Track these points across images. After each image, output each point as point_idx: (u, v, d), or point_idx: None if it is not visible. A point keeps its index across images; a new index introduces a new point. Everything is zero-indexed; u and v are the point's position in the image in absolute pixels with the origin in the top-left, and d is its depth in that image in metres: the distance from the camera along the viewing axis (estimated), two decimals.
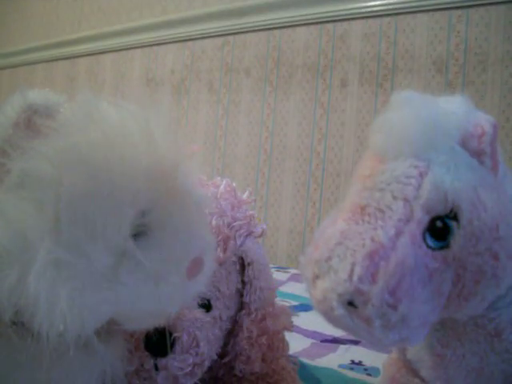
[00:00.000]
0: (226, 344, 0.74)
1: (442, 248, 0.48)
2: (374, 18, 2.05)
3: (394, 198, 0.49)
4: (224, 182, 0.77)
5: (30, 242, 0.45)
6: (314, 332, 1.18)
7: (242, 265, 0.75)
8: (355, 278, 0.45)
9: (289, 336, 0.81)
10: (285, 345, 0.80)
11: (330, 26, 2.16)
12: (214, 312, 0.70)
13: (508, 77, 1.74)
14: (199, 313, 0.68)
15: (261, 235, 0.78)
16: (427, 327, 0.49)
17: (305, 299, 1.36)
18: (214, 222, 0.71)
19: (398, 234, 0.47)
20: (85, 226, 0.46)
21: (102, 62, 3.15)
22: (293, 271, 1.86)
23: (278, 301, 0.81)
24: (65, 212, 0.46)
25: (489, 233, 0.49)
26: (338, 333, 1.15)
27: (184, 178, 0.57)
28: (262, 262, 0.76)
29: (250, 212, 0.77)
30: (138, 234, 0.50)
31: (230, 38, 2.49)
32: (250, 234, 0.76)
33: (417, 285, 0.46)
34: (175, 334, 0.64)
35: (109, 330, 0.53)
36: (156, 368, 0.64)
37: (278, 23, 2.30)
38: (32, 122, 0.49)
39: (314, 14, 2.18)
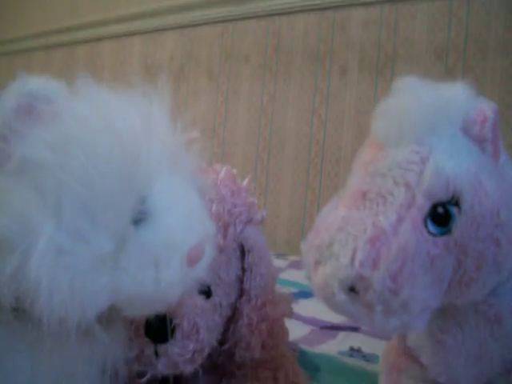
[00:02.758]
0: (226, 331, 0.74)
1: (443, 234, 0.48)
2: (374, 5, 2.04)
3: (396, 183, 0.49)
4: (224, 168, 0.77)
5: (31, 228, 0.45)
6: (314, 319, 1.18)
7: (242, 251, 0.75)
8: (356, 263, 0.45)
9: (288, 323, 0.81)
10: (284, 331, 0.80)
11: (329, 12, 2.15)
12: (214, 299, 0.70)
13: (508, 64, 1.74)
14: (199, 299, 0.68)
15: (261, 222, 0.78)
16: (428, 313, 0.49)
17: (304, 286, 1.36)
18: (213, 209, 0.70)
19: (400, 219, 0.47)
20: (85, 212, 0.46)
21: (101, 48, 3.14)
22: (292, 258, 1.86)
23: (278, 288, 0.81)
24: (65, 198, 0.46)
25: (490, 219, 0.49)
26: (338, 319, 1.15)
27: (184, 164, 0.57)
28: (262, 249, 0.75)
29: (250, 198, 0.76)
30: (138, 221, 0.50)
31: (229, 24, 2.48)
32: (249, 220, 0.76)
33: (418, 271, 0.46)
34: (175, 321, 0.64)
35: (109, 316, 0.53)
36: (156, 354, 0.64)
37: (278, 10, 2.29)
38: (32, 107, 0.49)
39: (314, 0, 2.17)
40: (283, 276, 1.55)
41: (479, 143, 0.51)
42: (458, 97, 0.52)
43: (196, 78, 2.60)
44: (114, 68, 3.04)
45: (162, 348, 0.64)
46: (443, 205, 0.48)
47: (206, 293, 0.70)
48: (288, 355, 0.80)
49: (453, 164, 0.49)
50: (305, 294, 1.30)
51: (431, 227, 0.48)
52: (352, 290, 0.46)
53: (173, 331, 0.64)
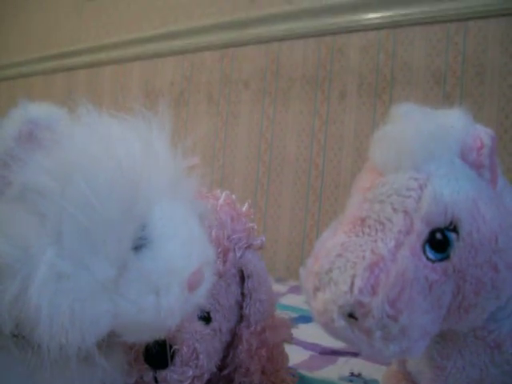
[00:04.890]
0: (225, 356, 0.74)
1: (441, 260, 0.48)
2: (372, 31, 2.05)
3: (394, 210, 0.49)
4: (224, 194, 0.77)
5: (32, 254, 0.45)
6: (314, 344, 1.18)
7: (242, 277, 0.75)
8: (355, 289, 0.45)
9: (288, 348, 0.81)
10: (284, 357, 0.80)
11: (328, 38, 2.17)
12: (214, 324, 0.70)
13: (506, 89, 1.75)
14: (199, 325, 0.68)
15: (260, 247, 0.78)
16: (427, 339, 0.49)
17: (304, 311, 1.36)
18: (213, 234, 0.71)
19: (398, 246, 0.47)
20: (86, 239, 0.46)
21: (101, 74, 3.15)
22: (292, 283, 1.86)
23: (277, 313, 0.80)
24: (66, 225, 0.46)
25: (488, 245, 0.49)
26: (338, 345, 1.14)
27: (184, 190, 0.58)
28: (261, 274, 0.76)
29: (250, 224, 0.77)
30: (138, 247, 0.50)
31: (229, 50, 2.49)
32: (249, 246, 0.76)
33: (417, 296, 0.46)
34: (175, 347, 0.64)
35: (109, 342, 0.53)
36: (156, 380, 0.64)
37: (277, 36, 2.30)
38: (33, 135, 0.49)
39: (313, 26, 2.18)
40: (283, 301, 1.54)
41: (477, 169, 0.51)
42: (455, 123, 0.53)
43: (196, 103, 2.61)
44: (114, 93, 3.05)
45: (161, 374, 0.64)
46: (441, 231, 0.49)
47: (206, 318, 0.70)
48: (288, 381, 0.79)
49: (451, 190, 0.49)
50: (305, 318, 1.30)
51: (429, 253, 0.48)
52: (351, 316, 0.46)
53: (172, 357, 0.64)
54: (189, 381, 0.64)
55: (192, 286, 0.52)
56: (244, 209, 0.78)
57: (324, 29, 2.16)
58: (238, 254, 0.73)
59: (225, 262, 0.71)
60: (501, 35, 1.76)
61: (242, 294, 0.75)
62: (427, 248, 0.48)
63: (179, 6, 2.69)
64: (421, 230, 0.48)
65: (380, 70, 2.03)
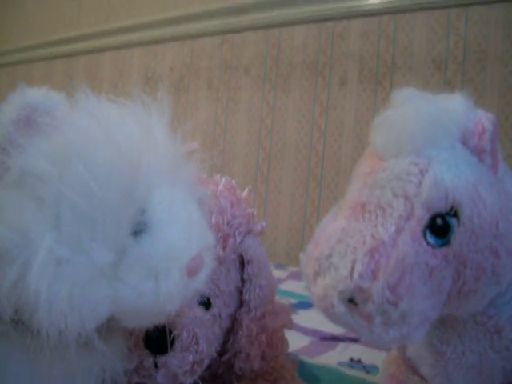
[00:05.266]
0: (225, 342, 0.74)
1: (442, 245, 0.48)
2: (373, 16, 2.04)
3: (395, 195, 0.49)
4: (223, 179, 0.77)
5: (30, 239, 0.45)
6: (313, 330, 1.18)
7: (242, 262, 0.75)
8: (356, 275, 0.45)
9: (288, 334, 0.81)
10: (284, 343, 0.80)
11: (329, 24, 2.16)
12: (214, 310, 0.70)
13: (507, 75, 1.74)
14: (199, 311, 0.68)
15: (260, 233, 0.78)
16: (427, 324, 0.49)
17: (304, 297, 1.36)
18: (213, 220, 0.70)
19: (399, 231, 0.47)
20: (85, 223, 0.46)
21: (101, 59, 3.14)
22: (292, 269, 1.86)
23: (277, 298, 0.80)
24: (65, 210, 0.46)
25: (489, 230, 0.49)
26: (337, 330, 1.15)
27: (184, 175, 0.57)
28: (261, 260, 0.75)
29: (250, 210, 0.76)
30: (138, 232, 0.50)
31: (229, 36, 2.48)
32: (249, 231, 0.76)
33: (417, 282, 0.46)
34: (175, 332, 0.64)
35: (109, 327, 0.53)
36: (155, 366, 0.64)
37: (277, 21, 2.29)
38: (32, 119, 0.49)
39: (313, 12, 2.17)
40: (283, 287, 1.55)
41: (478, 154, 0.51)
42: (456, 108, 0.53)
43: (196, 89, 2.61)
44: (113, 79, 3.05)
45: (161, 359, 0.64)
46: (442, 216, 0.48)
47: (206, 304, 0.70)
48: (288, 366, 0.79)
49: (452, 175, 0.49)
50: (304, 304, 1.30)
51: (430, 238, 0.48)
52: (351, 301, 0.46)
53: (172, 342, 0.64)
54: (189, 366, 0.64)
55: (191, 272, 0.52)
56: (244, 194, 0.78)
57: (324, 14, 2.15)
58: (238, 240, 0.73)
59: (224, 247, 0.71)
60: (502, 21, 1.76)
61: (242, 280, 0.75)
62: (428, 233, 0.48)
63: None
64: (421, 216, 0.48)
65: (381, 55, 2.02)
